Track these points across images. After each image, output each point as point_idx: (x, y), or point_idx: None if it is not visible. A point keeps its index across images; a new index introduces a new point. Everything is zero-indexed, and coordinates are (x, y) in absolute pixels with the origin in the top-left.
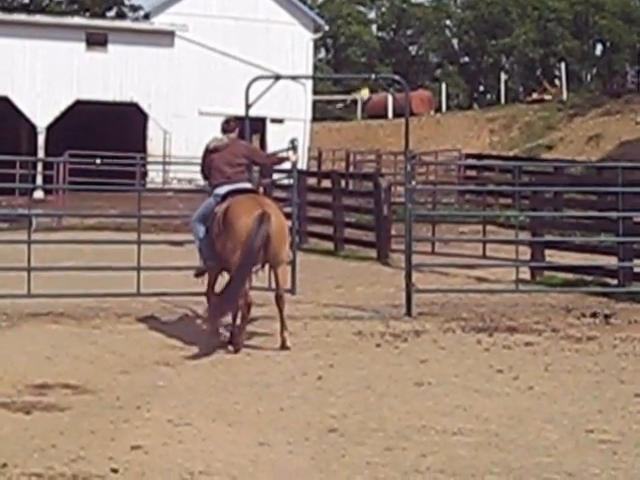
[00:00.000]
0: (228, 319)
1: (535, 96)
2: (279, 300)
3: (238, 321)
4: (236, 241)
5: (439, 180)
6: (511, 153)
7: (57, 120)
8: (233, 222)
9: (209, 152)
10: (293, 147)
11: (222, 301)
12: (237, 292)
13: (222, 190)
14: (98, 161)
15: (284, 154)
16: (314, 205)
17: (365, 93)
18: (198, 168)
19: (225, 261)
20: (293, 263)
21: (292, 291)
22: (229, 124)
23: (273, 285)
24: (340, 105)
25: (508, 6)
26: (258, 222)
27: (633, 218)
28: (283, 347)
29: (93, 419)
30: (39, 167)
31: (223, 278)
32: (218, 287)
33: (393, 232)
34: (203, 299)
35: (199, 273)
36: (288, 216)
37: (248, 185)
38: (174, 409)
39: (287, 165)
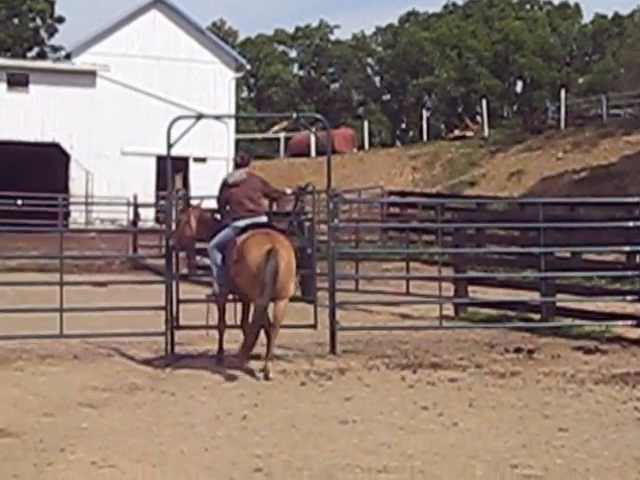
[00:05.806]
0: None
1: (457, 133)
2: (273, 329)
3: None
4: (248, 274)
5: (362, 218)
6: (434, 190)
7: None
8: (245, 255)
9: (228, 186)
10: (308, 191)
11: (247, 338)
12: (258, 325)
13: (242, 223)
14: (19, 202)
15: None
16: None
17: (278, 128)
18: (120, 208)
19: (238, 289)
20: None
21: (314, 326)
22: (243, 159)
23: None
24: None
25: (427, 46)
26: (266, 257)
27: (555, 253)
28: (266, 378)
29: (16, 462)
30: None
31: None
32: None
33: (317, 270)
34: (125, 339)
35: (210, 297)
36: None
37: (266, 219)
38: (98, 451)
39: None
